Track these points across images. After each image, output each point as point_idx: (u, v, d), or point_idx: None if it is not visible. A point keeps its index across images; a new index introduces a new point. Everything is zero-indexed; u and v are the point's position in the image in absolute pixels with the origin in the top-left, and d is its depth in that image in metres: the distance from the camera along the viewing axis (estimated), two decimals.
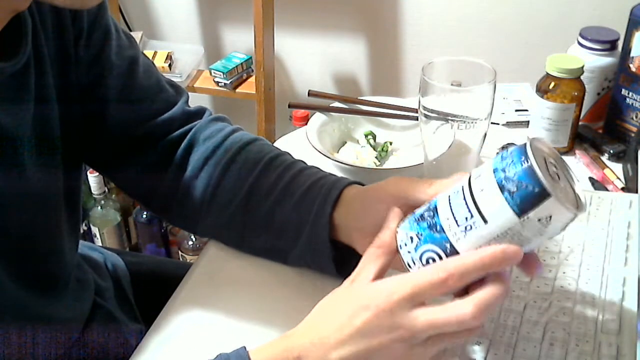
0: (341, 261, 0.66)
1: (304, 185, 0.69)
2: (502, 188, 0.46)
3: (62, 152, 0.67)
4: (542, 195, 0.45)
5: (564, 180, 0.48)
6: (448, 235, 0.49)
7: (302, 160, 0.74)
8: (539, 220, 0.45)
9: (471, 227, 0.48)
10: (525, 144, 0.47)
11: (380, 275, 0.53)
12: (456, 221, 0.48)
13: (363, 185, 0.68)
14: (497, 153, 0.49)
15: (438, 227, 0.50)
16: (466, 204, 0.48)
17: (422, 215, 0.51)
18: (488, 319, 0.61)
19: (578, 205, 0.47)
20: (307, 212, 0.67)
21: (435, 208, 0.51)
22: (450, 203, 0.49)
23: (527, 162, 0.45)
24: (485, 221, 0.47)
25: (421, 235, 0.50)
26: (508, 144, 0.47)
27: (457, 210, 0.49)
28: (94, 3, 0.55)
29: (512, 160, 0.46)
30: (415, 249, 0.51)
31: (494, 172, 0.47)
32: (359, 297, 0.51)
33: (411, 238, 0.51)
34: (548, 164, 0.47)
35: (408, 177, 0.62)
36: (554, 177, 0.46)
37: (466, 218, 0.48)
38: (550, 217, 0.45)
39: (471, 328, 0.49)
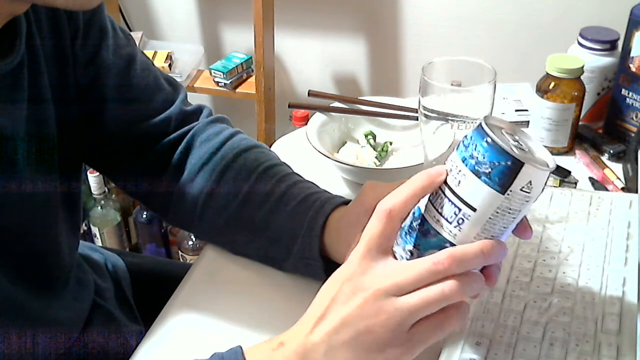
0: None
1: (298, 197, 0.69)
2: (477, 174, 0.47)
3: (59, 151, 0.67)
4: (516, 166, 0.46)
5: (525, 146, 0.50)
6: (444, 235, 0.50)
7: (297, 173, 0.74)
8: (522, 189, 0.47)
9: (463, 220, 0.49)
10: (480, 125, 0.48)
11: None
12: (447, 220, 0.49)
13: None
14: (457, 146, 0.50)
15: (432, 231, 0.50)
16: (450, 200, 0.49)
17: (411, 227, 0.51)
18: (488, 319, 0.61)
19: (548, 163, 0.49)
20: (300, 225, 0.67)
21: (421, 215, 0.51)
22: (434, 205, 0.50)
23: (490, 140, 0.47)
24: (473, 209, 0.48)
25: (419, 245, 0.51)
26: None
27: (444, 209, 0.49)
28: (94, 4, 0.54)
29: (476, 145, 0.47)
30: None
31: (463, 162, 0.48)
32: (346, 285, 0.50)
33: (410, 252, 0.51)
34: (508, 137, 0.48)
35: (381, 182, 0.62)
36: (517, 146, 0.48)
37: (455, 213, 0.49)
38: (530, 182, 0.47)
39: (456, 305, 0.49)
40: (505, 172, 0.46)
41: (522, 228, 0.52)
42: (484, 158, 0.47)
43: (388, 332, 0.48)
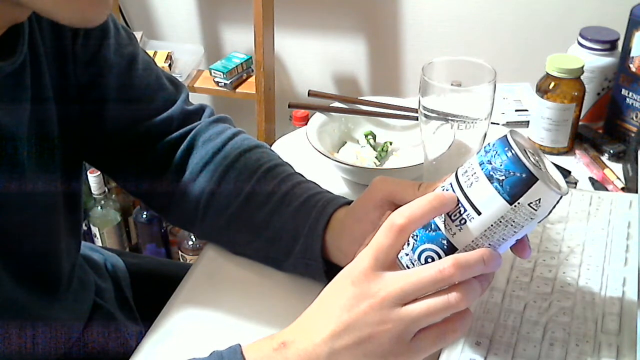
0: (334, 274, 0.66)
1: (301, 198, 0.69)
2: (490, 179, 0.48)
3: (61, 151, 0.67)
4: (530, 180, 0.47)
5: (544, 167, 0.50)
6: (444, 232, 0.50)
7: (300, 174, 0.74)
8: (529, 204, 0.48)
9: (465, 221, 0.49)
10: (505, 136, 0.49)
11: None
12: (450, 217, 0.50)
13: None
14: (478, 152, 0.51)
15: (433, 226, 0.51)
16: (457, 199, 0.50)
17: None
18: (488, 319, 0.61)
19: (561, 188, 0.49)
20: (302, 225, 0.67)
21: None
22: None
23: (511, 151, 0.48)
24: (478, 213, 0.49)
25: (417, 236, 0.51)
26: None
27: None
28: (97, 22, 0.53)
29: (497, 152, 0.48)
30: (413, 251, 0.51)
31: (480, 165, 0.49)
32: (351, 290, 0.50)
33: (407, 241, 0.52)
34: (528, 154, 0.49)
35: (391, 178, 0.63)
36: (536, 164, 0.49)
37: (459, 212, 0.50)
38: (540, 200, 0.48)
39: (460, 313, 0.49)
40: (518, 183, 0.47)
41: (521, 246, 0.53)
42: (500, 165, 0.48)
43: (391, 340, 0.49)
